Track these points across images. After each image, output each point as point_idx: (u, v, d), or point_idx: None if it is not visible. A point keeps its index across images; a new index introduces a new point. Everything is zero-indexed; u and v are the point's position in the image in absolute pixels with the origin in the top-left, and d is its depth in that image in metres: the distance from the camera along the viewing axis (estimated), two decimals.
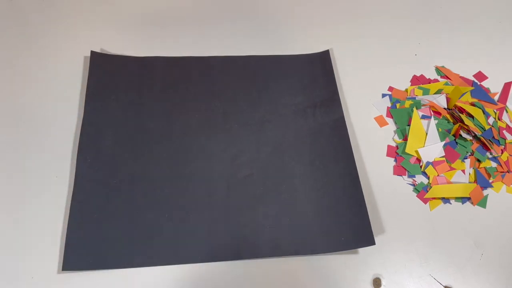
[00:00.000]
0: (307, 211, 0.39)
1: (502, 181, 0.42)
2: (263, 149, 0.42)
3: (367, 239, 0.38)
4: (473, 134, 0.44)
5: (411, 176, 0.42)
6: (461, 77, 0.49)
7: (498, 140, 0.44)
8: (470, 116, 0.44)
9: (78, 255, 0.35)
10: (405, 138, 0.44)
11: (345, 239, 0.38)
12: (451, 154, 0.43)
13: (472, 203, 0.41)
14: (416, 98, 0.47)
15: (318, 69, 0.49)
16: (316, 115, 0.45)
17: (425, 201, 0.41)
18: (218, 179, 0.40)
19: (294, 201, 0.40)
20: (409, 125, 0.45)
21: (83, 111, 0.43)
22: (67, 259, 0.35)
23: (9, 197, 0.39)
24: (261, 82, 0.47)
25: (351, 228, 0.38)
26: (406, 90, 0.48)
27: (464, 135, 0.44)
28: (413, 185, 0.42)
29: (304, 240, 0.38)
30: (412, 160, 0.43)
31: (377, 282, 0.37)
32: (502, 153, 0.43)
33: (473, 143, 0.44)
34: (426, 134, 0.44)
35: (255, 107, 0.45)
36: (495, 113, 0.46)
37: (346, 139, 0.43)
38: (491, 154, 0.44)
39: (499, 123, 0.45)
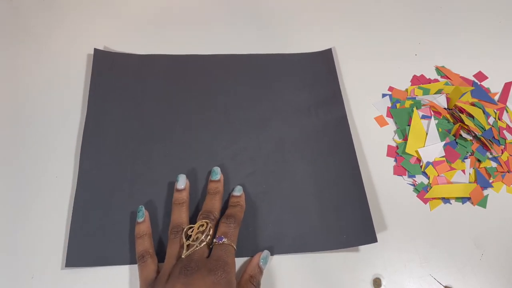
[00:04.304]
0: (309, 209, 0.39)
1: (502, 181, 0.42)
2: (265, 147, 0.42)
3: (369, 237, 0.38)
4: (473, 134, 0.44)
5: (411, 176, 0.42)
6: (461, 77, 0.49)
7: (498, 140, 0.44)
8: (470, 116, 0.44)
9: (81, 251, 0.36)
10: (405, 138, 0.44)
11: (347, 237, 0.38)
12: (451, 154, 0.43)
13: (472, 203, 0.41)
14: (416, 98, 0.47)
15: (321, 67, 0.49)
16: (319, 113, 0.45)
17: (425, 201, 0.41)
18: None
19: (296, 198, 0.40)
20: (409, 125, 0.45)
21: (86, 109, 0.43)
22: (70, 256, 0.35)
23: (10, 197, 0.39)
24: (263, 80, 0.47)
25: (353, 225, 0.38)
26: (406, 90, 0.48)
27: (464, 135, 0.44)
28: (413, 185, 0.42)
29: (306, 237, 0.38)
30: (412, 160, 0.43)
31: (377, 282, 0.37)
32: (502, 153, 0.43)
33: (473, 143, 0.44)
34: (426, 134, 0.44)
35: (257, 105, 0.45)
36: (495, 113, 0.46)
37: (348, 137, 0.43)
38: (491, 154, 0.44)
39: (499, 123, 0.45)
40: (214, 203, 0.37)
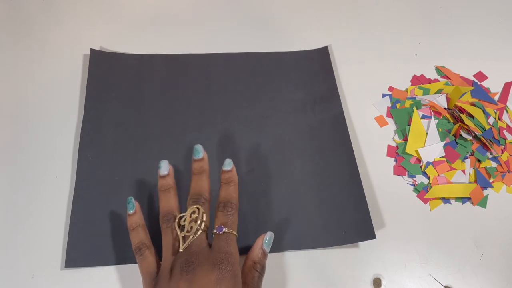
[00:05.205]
0: (308, 206, 0.39)
1: (502, 181, 0.42)
2: (264, 145, 0.42)
3: (368, 233, 0.38)
4: (473, 134, 0.44)
5: (411, 176, 0.42)
6: (461, 77, 0.49)
7: (498, 140, 0.44)
8: (470, 116, 0.44)
9: (80, 251, 0.36)
10: (405, 138, 0.44)
11: (345, 233, 0.38)
12: (451, 154, 0.43)
13: (472, 203, 0.41)
14: (416, 98, 0.47)
15: (317, 65, 0.49)
16: (316, 110, 0.45)
17: (425, 201, 0.41)
18: (218, 175, 0.40)
19: (295, 196, 0.40)
20: (409, 125, 0.45)
21: (83, 110, 0.43)
22: (70, 256, 0.35)
23: (10, 197, 0.39)
24: (260, 79, 0.47)
25: (352, 222, 0.38)
26: (406, 90, 0.48)
27: (464, 135, 0.44)
28: (413, 185, 0.42)
29: (305, 234, 0.38)
30: (412, 160, 0.43)
31: (377, 282, 0.37)
32: (502, 153, 0.43)
33: (473, 143, 0.44)
34: (426, 134, 0.44)
35: (254, 103, 0.45)
36: (495, 113, 0.46)
37: (345, 134, 0.43)
38: (491, 154, 0.44)
39: (499, 123, 0.45)
40: (202, 184, 0.35)
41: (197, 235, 0.32)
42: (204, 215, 0.33)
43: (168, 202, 0.34)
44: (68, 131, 0.43)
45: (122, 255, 0.36)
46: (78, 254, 0.35)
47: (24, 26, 0.51)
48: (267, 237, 0.34)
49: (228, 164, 0.36)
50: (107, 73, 0.46)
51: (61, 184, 0.39)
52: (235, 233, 0.33)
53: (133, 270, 0.36)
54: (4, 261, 0.36)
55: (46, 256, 0.36)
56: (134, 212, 0.35)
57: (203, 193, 0.34)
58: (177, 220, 0.33)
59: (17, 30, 0.50)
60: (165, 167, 0.36)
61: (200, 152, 0.36)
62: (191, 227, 0.32)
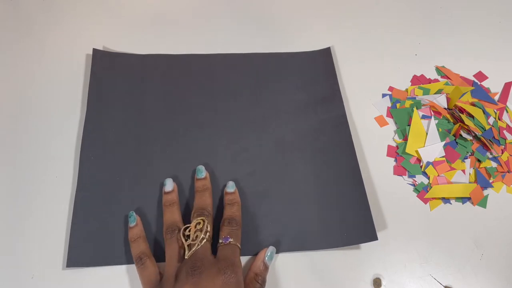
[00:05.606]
0: (310, 208, 0.39)
1: (502, 181, 0.42)
2: (265, 146, 0.42)
3: (370, 235, 0.38)
4: (473, 134, 0.44)
5: (411, 176, 0.42)
6: (461, 77, 0.49)
7: (498, 140, 0.44)
8: (471, 116, 0.44)
9: (82, 251, 0.36)
10: (405, 138, 0.44)
11: (347, 235, 0.38)
12: (451, 154, 0.43)
13: (472, 203, 0.41)
14: (416, 98, 0.47)
15: (320, 66, 0.49)
16: (318, 111, 0.45)
17: (425, 201, 0.41)
18: (220, 176, 0.40)
19: (296, 197, 0.40)
20: (409, 125, 0.45)
21: (84, 110, 0.43)
22: (71, 256, 0.35)
23: (10, 197, 0.39)
24: (262, 79, 0.47)
25: (354, 223, 0.38)
26: (406, 90, 0.48)
27: (464, 135, 0.44)
28: (413, 185, 0.42)
29: (307, 236, 0.38)
30: (412, 160, 0.43)
31: (377, 282, 0.37)
32: (502, 153, 0.43)
33: (473, 143, 0.44)
34: (426, 134, 0.44)
35: (256, 104, 0.45)
36: (495, 113, 0.46)
37: (347, 135, 0.43)
38: (491, 154, 0.44)
39: (499, 123, 0.45)
40: (205, 200, 0.37)
41: (202, 244, 0.33)
42: (209, 226, 0.34)
43: (172, 215, 0.36)
44: (68, 131, 0.43)
45: (123, 255, 0.36)
46: (80, 254, 0.36)
47: (24, 26, 0.51)
48: (269, 251, 0.36)
49: (231, 187, 0.39)
50: (110, 73, 0.46)
51: (62, 184, 0.39)
52: (240, 246, 0.34)
53: (135, 270, 0.36)
54: (4, 261, 0.36)
55: (47, 256, 0.36)
56: (135, 224, 0.36)
57: (207, 207, 0.36)
58: (182, 230, 0.34)
59: (17, 30, 0.50)
60: (169, 184, 0.38)
61: (202, 172, 0.39)
62: (196, 236, 0.33)
